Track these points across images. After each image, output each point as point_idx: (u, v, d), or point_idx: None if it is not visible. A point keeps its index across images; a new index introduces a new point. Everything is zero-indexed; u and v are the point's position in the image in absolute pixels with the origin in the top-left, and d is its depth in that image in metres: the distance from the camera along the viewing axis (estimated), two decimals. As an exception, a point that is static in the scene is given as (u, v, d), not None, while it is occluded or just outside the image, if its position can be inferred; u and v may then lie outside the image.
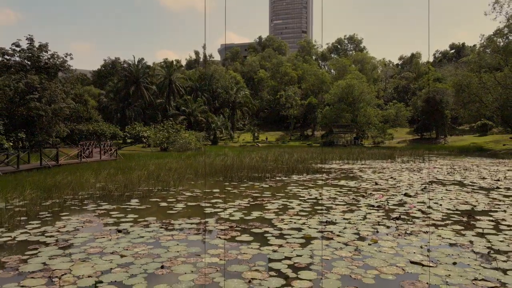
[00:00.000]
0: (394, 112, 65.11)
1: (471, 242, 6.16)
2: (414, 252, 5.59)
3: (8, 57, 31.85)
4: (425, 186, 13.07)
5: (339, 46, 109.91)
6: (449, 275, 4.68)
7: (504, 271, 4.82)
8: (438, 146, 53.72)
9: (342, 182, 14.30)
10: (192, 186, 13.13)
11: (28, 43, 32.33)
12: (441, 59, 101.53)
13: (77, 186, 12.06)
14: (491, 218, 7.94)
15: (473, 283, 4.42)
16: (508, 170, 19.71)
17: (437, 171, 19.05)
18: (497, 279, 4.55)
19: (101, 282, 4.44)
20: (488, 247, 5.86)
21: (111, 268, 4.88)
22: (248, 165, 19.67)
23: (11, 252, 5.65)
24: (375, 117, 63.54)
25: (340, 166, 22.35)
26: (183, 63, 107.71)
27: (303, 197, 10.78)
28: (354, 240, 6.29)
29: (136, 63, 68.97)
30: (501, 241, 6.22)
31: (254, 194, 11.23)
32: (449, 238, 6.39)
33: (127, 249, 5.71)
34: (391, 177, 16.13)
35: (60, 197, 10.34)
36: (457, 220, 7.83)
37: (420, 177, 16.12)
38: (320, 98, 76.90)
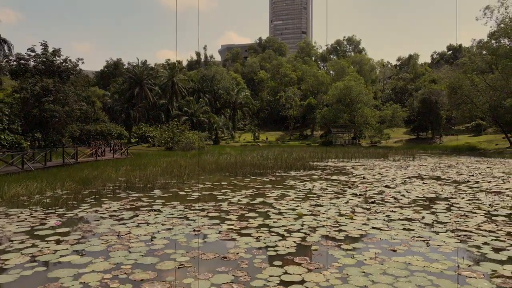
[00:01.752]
0: (391, 113, 67.06)
1: (423, 217, 8.13)
2: (378, 223, 7.56)
3: (24, 62, 33.86)
4: (405, 180, 15.04)
5: (338, 48, 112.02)
6: (397, 234, 6.66)
7: (437, 233, 6.79)
8: (432, 146, 55.69)
9: (334, 177, 16.27)
10: (203, 180, 15.10)
11: (42, 49, 34.35)
12: (439, 60, 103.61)
13: (104, 180, 14.02)
14: (448, 203, 9.91)
15: (411, 239, 6.39)
16: (487, 167, 21.67)
17: (421, 168, 21.02)
18: (429, 236, 6.52)
19: (154, 237, 6.41)
20: (434, 220, 7.83)
21: (159, 231, 6.85)
22: (250, 163, 21.69)
23: (81, 222, 7.62)
24: (372, 117, 65.54)
25: (336, 164, 24.33)
26: (184, 63, 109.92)
27: (299, 188, 12.75)
28: (335, 216, 8.25)
29: (140, 64, 71.04)
30: (446, 216, 8.20)
31: (257, 186, 13.19)
32: (408, 215, 8.36)
33: (165, 221, 7.68)
34: (379, 173, 18.09)
35: (94, 187, 12.31)
36: (420, 204, 9.79)
37: (404, 173, 18.08)
38: (319, 99, 78.92)
